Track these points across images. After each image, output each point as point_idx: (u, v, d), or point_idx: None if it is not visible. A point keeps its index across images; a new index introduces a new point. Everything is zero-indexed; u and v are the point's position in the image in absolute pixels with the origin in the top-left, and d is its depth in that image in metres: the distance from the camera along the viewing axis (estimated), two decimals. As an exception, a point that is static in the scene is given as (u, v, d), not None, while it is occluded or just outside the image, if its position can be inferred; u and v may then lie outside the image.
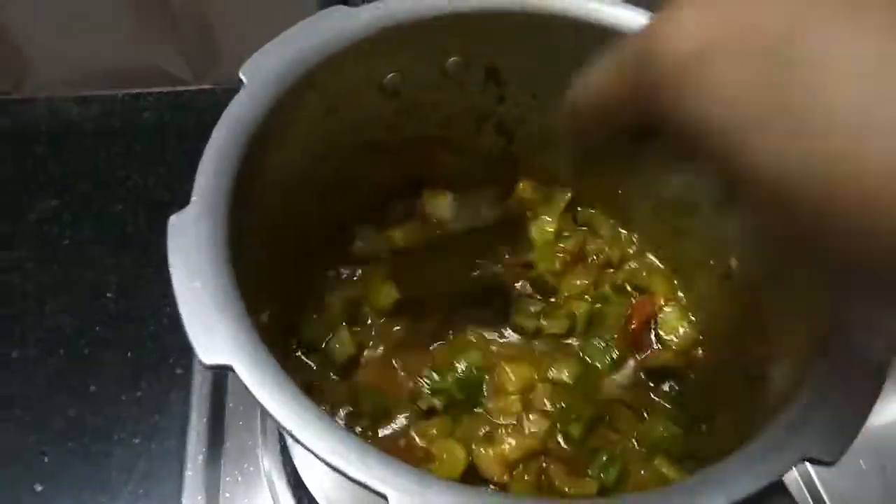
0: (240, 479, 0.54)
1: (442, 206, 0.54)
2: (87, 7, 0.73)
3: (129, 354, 0.62)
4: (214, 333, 0.30)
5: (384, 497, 0.29)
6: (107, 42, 0.76)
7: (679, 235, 0.51)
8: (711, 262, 0.49)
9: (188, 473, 0.53)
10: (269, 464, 0.54)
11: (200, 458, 0.54)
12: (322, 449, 0.29)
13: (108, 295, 0.66)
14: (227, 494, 0.53)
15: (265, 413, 0.30)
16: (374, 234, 0.53)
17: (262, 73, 0.38)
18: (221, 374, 0.57)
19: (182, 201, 0.71)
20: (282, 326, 0.46)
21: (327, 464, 0.29)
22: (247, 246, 0.34)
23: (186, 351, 0.61)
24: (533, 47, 0.46)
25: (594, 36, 0.44)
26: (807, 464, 0.53)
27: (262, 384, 0.30)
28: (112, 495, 0.55)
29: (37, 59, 0.77)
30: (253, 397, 0.29)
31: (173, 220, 0.32)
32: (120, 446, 0.57)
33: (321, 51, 0.40)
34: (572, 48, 0.45)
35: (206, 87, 0.82)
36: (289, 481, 0.53)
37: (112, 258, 0.68)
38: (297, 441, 0.29)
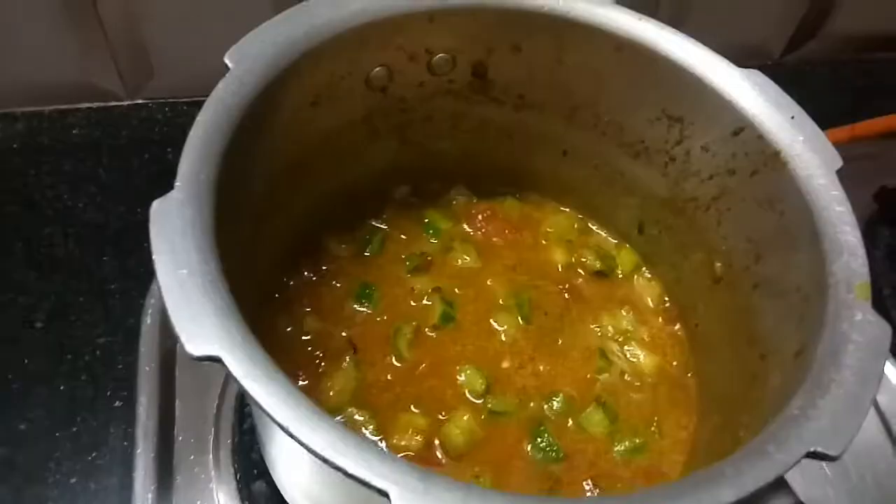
0: (193, 515, 0.53)
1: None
2: (10, 20, 0.73)
3: (62, 388, 0.61)
4: (201, 323, 0.30)
5: (385, 494, 0.29)
6: (33, 57, 0.77)
7: (670, 232, 0.54)
8: (699, 266, 0.52)
9: (137, 513, 0.52)
10: (224, 499, 0.53)
11: (150, 496, 0.53)
12: (318, 444, 0.29)
13: (38, 325, 0.65)
14: (180, 533, 0.52)
15: (259, 408, 0.30)
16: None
17: (247, 59, 0.39)
18: (168, 403, 0.57)
19: (116, 222, 0.72)
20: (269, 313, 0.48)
21: (324, 460, 0.29)
22: (232, 231, 0.35)
23: (124, 382, 0.61)
24: (522, 45, 0.49)
25: (581, 35, 0.47)
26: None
27: (253, 377, 0.30)
28: (49, 541, 0.54)
29: (-44, 75, 0.76)
30: (242, 389, 0.30)
31: (156, 205, 0.33)
32: (56, 487, 0.56)
33: (308, 40, 0.42)
34: (560, 47, 0.49)
35: (140, 101, 0.82)
36: (247, 515, 0.53)
37: (42, 284, 0.67)
38: (292, 436, 0.29)
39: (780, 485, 0.35)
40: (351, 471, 0.29)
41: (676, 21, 0.87)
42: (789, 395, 0.38)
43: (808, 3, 0.93)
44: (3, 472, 0.57)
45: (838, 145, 0.83)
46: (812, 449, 0.34)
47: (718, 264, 0.50)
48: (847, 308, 0.39)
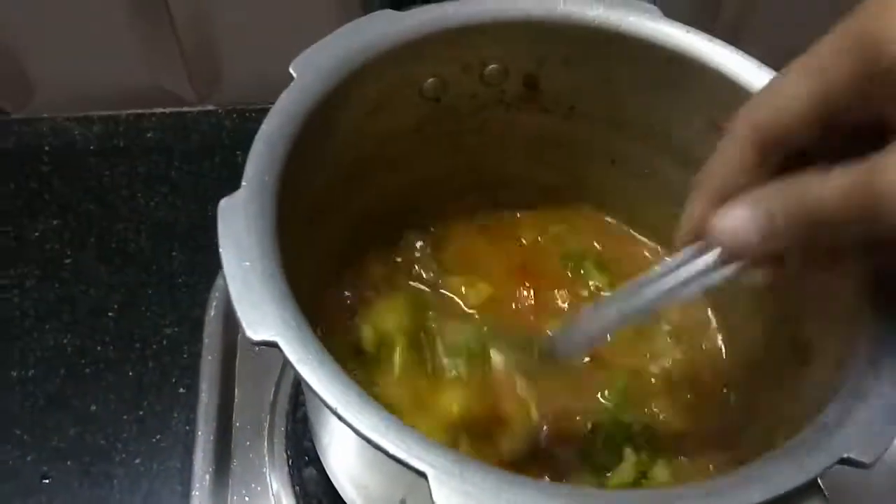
0: (247, 499, 0.56)
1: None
2: (90, 27, 0.78)
3: (130, 374, 0.65)
4: (261, 311, 0.33)
5: (423, 475, 0.31)
6: (110, 62, 0.81)
7: None
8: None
9: (195, 493, 0.55)
10: (277, 484, 0.56)
11: (207, 478, 0.56)
12: (362, 426, 0.32)
13: (110, 314, 0.69)
14: (236, 515, 0.55)
15: (310, 391, 0.32)
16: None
17: (310, 70, 0.42)
18: (227, 391, 0.61)
19: (186, 221, 0.75)
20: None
21: (368, 440, 0.32)
22: (293, 230, 0.38)
23: (188, 371, 0.64)
24: (572, 57, 0.51)
25: (631, 48, 0.49)
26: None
27: (306, 361, 0.33)
28: (114, 518, 0.58)
29: (39, 79, 0.81)
30: (296, 373, 0.32)
31: (224, 203, 0.36)
32: (122, 467, 0.60)
33: (366, 52, 0.45)
34: (610, 60, 0.50)
35: (210, 108, 0.86)
36: (297, 503, 0.56)
37: (114, 277, 0.71)
38: (340, 418, 0.32)
39: (812, 490, 0.36)
40: (392, 452, 0.31)
41: (740, 25, 0.86)
42: (825, 403, 0.38)
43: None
44: (74, 450, 0.60)
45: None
46: (844, 455, 0.35)
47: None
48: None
